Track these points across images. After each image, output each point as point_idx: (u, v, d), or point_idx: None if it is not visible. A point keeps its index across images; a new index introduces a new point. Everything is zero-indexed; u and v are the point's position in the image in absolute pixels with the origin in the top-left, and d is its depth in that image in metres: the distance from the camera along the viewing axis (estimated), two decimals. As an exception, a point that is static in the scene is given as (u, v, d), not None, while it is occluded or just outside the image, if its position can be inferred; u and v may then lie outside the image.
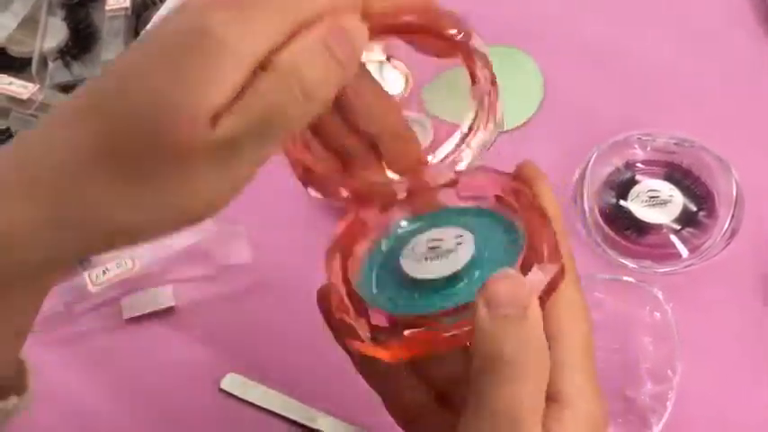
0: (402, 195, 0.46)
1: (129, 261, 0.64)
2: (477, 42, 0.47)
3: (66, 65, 0.75)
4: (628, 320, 0.59)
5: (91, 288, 0.63)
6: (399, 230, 0.46)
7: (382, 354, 0.41)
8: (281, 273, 0.66)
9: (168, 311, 0.65)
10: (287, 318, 0.65)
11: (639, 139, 0.67)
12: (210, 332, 0.65)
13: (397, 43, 0.61)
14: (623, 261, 0.63)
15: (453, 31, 0.46)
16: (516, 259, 0.41)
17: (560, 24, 0.76)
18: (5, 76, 0.74)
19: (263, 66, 0.35)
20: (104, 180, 0.36)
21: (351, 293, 0.44)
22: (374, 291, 0.45)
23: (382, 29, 0.41)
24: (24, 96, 0.72)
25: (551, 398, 0.39)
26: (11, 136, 0.71)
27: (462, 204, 0.47)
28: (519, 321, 0.37)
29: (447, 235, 0.44)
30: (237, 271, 0.66)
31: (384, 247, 0.46)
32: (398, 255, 0.44)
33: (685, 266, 0.63)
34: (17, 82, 0.73)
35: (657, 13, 0.76)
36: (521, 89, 0.74)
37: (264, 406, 0.61)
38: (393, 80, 0.76)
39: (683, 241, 0.64)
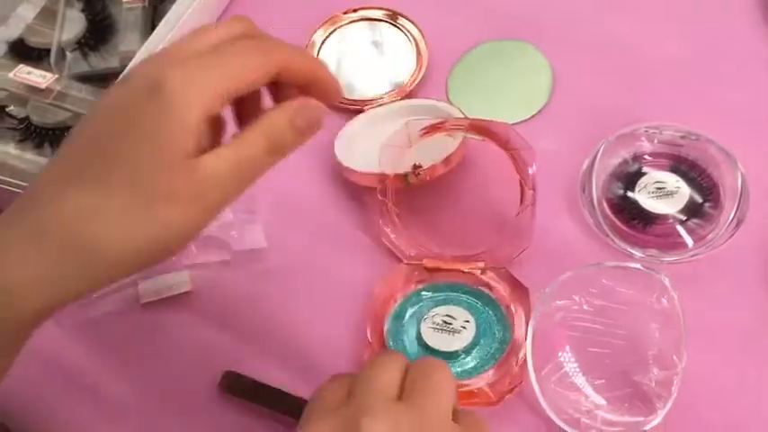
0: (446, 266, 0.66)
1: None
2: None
3: (84, 56, 0.76)
4: (635, 307, 0.60)
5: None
6: (428, 293, 0.65)
7: None
8: (295, 259, 0.68)
9: (185, 296, 0.66)
10: (301, 302, 0.66)
11: (646, 131, 0.68)
12: (226, 316, 0.66)
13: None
14: (630, 250, 0.65)
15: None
16: (504, 349, 0.61)
17: (570, 19, 0.77)
18: (24, 65, 0.75)
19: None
20: (104, 219, 0.44)
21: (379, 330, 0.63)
22: (401, 332, 0.64)
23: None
24: (43, 86, 0.73)
25: None
26: (30, 124, 0.72)
27: (479, 287, 0.65)
28: None
29: (459, 316, 0.63)
30: (252, 257, 0.67)
31: (415, 301, 0.65)
32: (422, 315, 0.63)
33: (691, 256, 0.64)
34: (36, 71, 0.74)
35: (665, 8, 0.77)
36: (531, 82, 0.75)
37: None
38: (399, 46, 0.77)
39: (689, 231, 0.65)
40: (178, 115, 0.44)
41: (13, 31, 0.78)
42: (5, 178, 0.66)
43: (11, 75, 0.73)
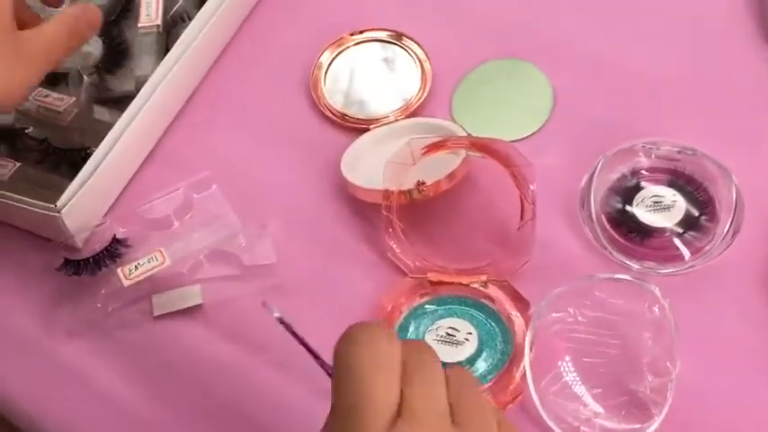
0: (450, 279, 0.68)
1: (160, 256, 0.67)
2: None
3: (101, 79, 0.79)
4: (627, 317, 0.62)
5: (125, 282, 0.66)
6: (432, 305, 0.67)
7: None
8: (303, 273, 0.70)
9: (196, 309, 0.69)
10: (309, 315, 0.68)
11: (644, 147, 0.70)
12: (236, 329, 0.68)
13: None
14: (628, 263, 0.66)
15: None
16: (505, 360, 0.63)
17: (568, 39, 0.79)
18: (42, 89, 0.77)
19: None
20: None
21: None
22: None
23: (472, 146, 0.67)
24: (61, 108, 0.76)
25: None
26: (49, 145, 0.75)
27: (482, 300, 0.66)
28: None
29: (462, 328, 0.65)
30: (263, 271, 0.69)
31: (420, 314, 0.67)
32: (426, 328, 0.65)
33: (687, 268, 0.66)
34: (54, 94, 0.77)
35: (660, 27, 0.79)
36: (531, 100, 0.77)
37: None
38: (404, 67, 0.79)
39: (686, 244, 0.67)
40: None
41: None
42: (23, 197, 0.68)
43: (30, 98, 0.76)
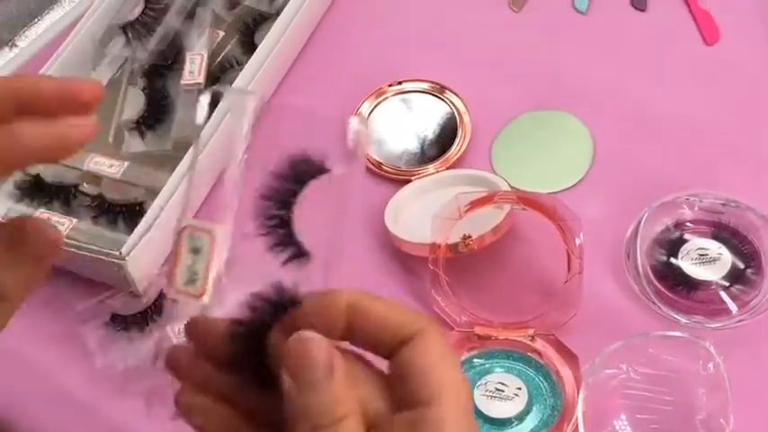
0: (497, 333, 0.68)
1: (209, 314, 0.67)
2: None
3: (141, 135, 0.79)
4: (681, 374, 0.62)
5: (174, 339, 0.66)
6: (480, 360, 0.67)
7: None
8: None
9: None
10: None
11: (687, 199, 0.70)
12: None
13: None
14: (676, 317, 0.66)
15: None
16: (555, 416, 0.63)
17: (608, 88, 0.80)
18: (95, 155, 0.76)
19: None
20: None
21: None
22: None
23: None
24: (117, 176, 0.75)
25: None
26: (103, 201, 0.74)
27: (529, 354, 0.66)
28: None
29: (511, 383, 0.65)
30: (308, 325, 0.69)
31: (467, 368, 0.66)
32: (475, 383, 0.65)
33: (736, 322, 0.65)
34: (105, 161, 0.76)
35: (701, 78, 0.79)
36: (571, 151, 0.77)
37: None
38: (444, 118, 0.80)
39: (733, 298, 0.67)
40: None
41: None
42: (89, 245, 0.69)
43: (84, 164, 0.76)
